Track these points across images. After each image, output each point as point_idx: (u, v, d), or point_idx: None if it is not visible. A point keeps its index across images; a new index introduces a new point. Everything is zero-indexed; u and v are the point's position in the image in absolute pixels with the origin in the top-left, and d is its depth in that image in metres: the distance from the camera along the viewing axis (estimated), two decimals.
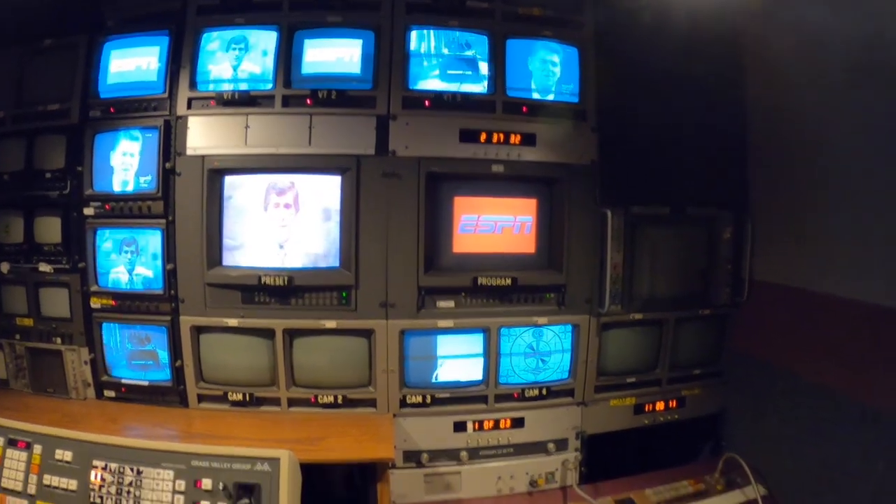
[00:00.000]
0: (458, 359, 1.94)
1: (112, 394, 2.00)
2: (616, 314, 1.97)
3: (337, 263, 1.87)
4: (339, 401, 1.89)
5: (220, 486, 1.44)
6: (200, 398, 1.94)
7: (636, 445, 2.19)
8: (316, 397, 1.89)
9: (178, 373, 1.93)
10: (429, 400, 1.90)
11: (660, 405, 2.11)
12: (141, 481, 1.46)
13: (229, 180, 1.88)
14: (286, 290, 1.85)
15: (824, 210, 1.86)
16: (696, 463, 2.20)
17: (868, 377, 1.70)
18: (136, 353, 1.99)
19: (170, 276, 1.90)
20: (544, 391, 1.96)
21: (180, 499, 1.44)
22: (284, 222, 1.87)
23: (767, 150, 2.09)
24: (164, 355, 1.96)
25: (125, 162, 1.93)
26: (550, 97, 1.96)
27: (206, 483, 1.44)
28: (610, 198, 1.95)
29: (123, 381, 1.98)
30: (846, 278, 1.78)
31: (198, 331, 1.91)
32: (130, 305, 1.94)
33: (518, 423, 1.97)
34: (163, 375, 1.97)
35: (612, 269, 1.91)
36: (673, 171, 2.00)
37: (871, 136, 1.68)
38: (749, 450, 2.04)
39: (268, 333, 1.87)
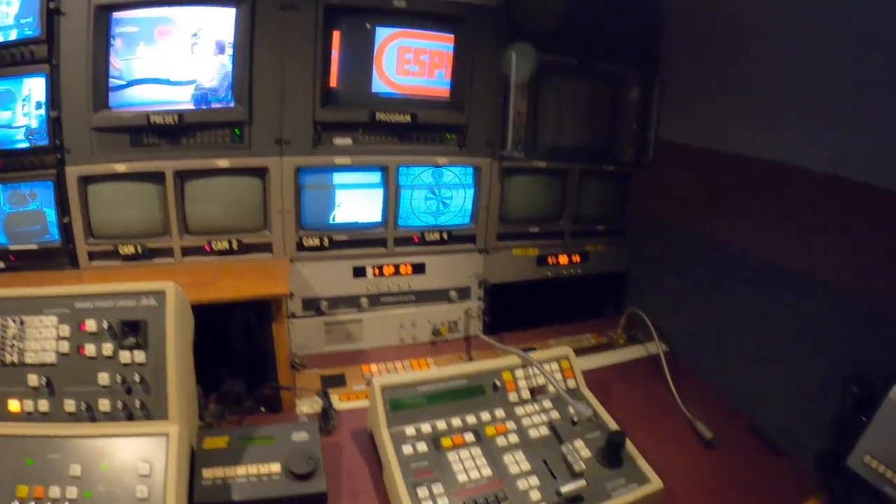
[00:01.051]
0: (355, 193, 1.85)
1: (1, 265, 1.85)
2: (519, 160, 1.92)
3: (230, 99, 1.76)
4: (235, 246, 1.78)
5: (105, 325, 1.34)
6: (91, 256, 1.81)
7: (540, 301, 2.15)
8: (210, 244, 1.78)
9: (66, 231, 1.79)
10: (326, 243, 1.81)
11: (563, 258, 2.08)
12: (24, 332, 1.32)
13: (117, 16, 1.75)
14: (176, 128, 1.73)
15: (734, 71, 1.83)
16: (599, 320, 2.19)
17: (771, 234, 1.69)
18: (20, 215, 1.85)
19: (54, 125, 1.76)
20: (445, 235, 1.90)
21: (65, 345, 1.30)
22: (175, 57, 1.75)
23: (680, 8, 2.06)
24: (51, 213, 1.83)
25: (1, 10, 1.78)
26: None
27: (91, 324, 1.31)
28: (516, 42, 1.87)
29: (11, 248, 1.82)
30: (753, 138, 1.76)
31: (85, 182, 1.77)
32: (14, 163, 1.79)
33: (419, 269, 1.90)
34: (51, 237, 1.84)
35: (515, 115, 1.85)
36: (583, 22, 1.94)
37: None
38: (651, 309, 2.03)
39: (158, 178, 1.75)
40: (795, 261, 1.62)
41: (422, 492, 1.26)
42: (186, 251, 1.80)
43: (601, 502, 1.30)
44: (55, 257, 1.84)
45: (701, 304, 1.95)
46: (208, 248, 1.80)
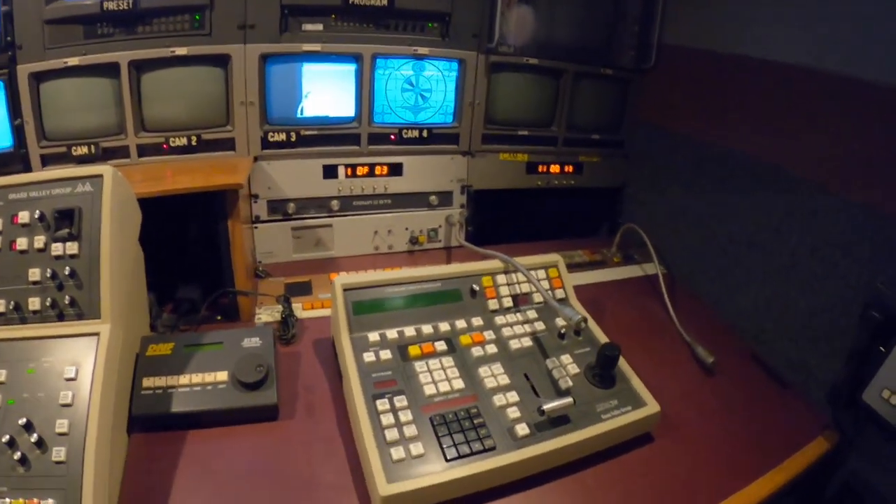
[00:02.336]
0: (326, 85, 1.66)
1: None
2: (507, 55, 1.74)
3: None
4: (194, 143, 1.60)
5: (37, 214, 1.19)
6: (44, 160, 1.64)
7: (528, 213, 1.96)
8: (168, 141, 1.60)
9: (19, 134, 1.63)
10: (294, 138, 1.62)
11: (554, 168, 1.87)
12: None
13: None
14: (131, 15, 1.55)
15: None
16: (593, 238, 2.00)
17: (784, 142, 1.49)
18: None
19: (5, 21, 1.62)
20: (425, 133, 1.70)
21: None
22: None
23: None
24: (2, 116, 1.68)
25: None
26: None
27: (23, 216, 1.16)
28: None
29: None
30: (763, 40, 1.57)
31: (37, 80, 1.62)
32: None
33: (396, 169, 1.70)
34: (4, 142, 1.69)
35: (503, 4, 1.68)
36: None
37: None
38: (649, 227, 1.84)
39: (113, 70, 1.57)
40: (810, 172, 1.44)
41: (382, 404, 1.09)
42: (143, 150, 1.63)
43: (590, 425, 1.12)
44: (7, 164, 1.68)
45: (703, 222, 1.76)
46: (166, 147, 1.62)
